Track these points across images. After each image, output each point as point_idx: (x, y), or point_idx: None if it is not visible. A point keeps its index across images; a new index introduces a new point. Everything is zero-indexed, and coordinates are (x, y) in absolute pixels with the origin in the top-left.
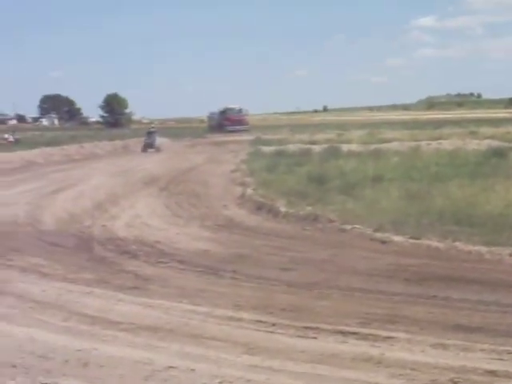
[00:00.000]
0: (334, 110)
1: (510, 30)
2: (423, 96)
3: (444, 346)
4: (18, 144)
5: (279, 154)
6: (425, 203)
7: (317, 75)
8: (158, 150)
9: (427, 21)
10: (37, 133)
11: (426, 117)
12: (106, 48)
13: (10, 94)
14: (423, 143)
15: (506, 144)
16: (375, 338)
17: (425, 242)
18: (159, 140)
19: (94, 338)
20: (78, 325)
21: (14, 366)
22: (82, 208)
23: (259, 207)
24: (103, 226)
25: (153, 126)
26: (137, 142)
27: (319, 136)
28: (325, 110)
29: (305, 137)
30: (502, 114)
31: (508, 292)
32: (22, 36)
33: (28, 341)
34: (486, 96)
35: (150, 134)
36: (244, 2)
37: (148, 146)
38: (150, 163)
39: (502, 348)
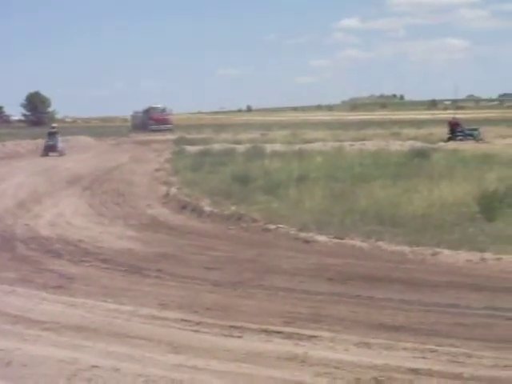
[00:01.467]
0: (259, 110)
1: (431, 33)
2: (347, 97)
3: (367, 345)
4: None
5: (203, 153)
6: (348, 203)
7: (242, 75)
8: (62, 153)
9: (351, 22)
10: None
11: (349, 118)
12: (28, 45)
13: None
14: (346, 144)
15: (428, 145)
16: (299, 337)
17: (348, 241)
18: (62, 143)
19: (16, 337)
20: (0, 324)
21: None
22: (3, 207)
23: (183, 206)
24: (26, 224)
25: (54, 125)
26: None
27: (243, 136)
28: (249, 109)
29: (229, 136)
30: (424, 115)
31: (430, 291)
32: None
33: None
34: (408, 98)
35: (51, 135)
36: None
37: (49, 148)
38: (74, 162)
39: (424, 346)
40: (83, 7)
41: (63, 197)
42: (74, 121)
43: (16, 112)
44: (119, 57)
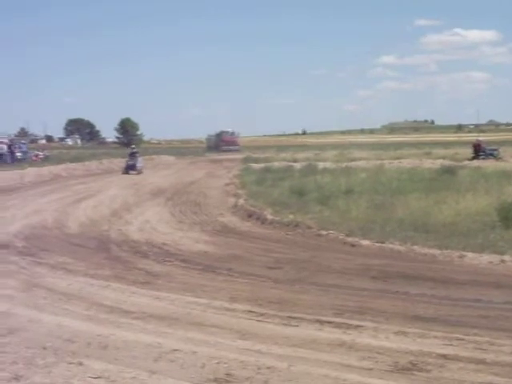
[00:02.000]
0: (312, 133)
1: (458, 67)
2: (386, 122)
3: (404, 334)
4: (46, 160)
5: (266, 170)
6: (388, 213)
7: (299, 103)
8: (140, 172)
9: (389, 58)
10: (63, 151)
11: (388, 140)
12: (120, 75)
13: (41, 118)
14: (386, 162)
15: (455, 163)
16: (347, 327)
17: (388, 245)
18: (141, 162)
19: (111, 324)
20: (97, 313)
21: (45, 348)
22: (100, 215)
23: (250, 215)
24: (119, 229)
25: (133, 146)
26: (146, 159)
27: (299, 155)
28: (304, 133)
29: (287, 156)
30: (451, 137)
31: (457, 288)
32: (46, 68)
33: (56, 327)
34: (438, 122)
35: (132, 155)
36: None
37: (130, 167)
38: (158, 177)
39: (452, 335)
40: (159, 41)
41: (149, 206)
42: (159, 142)
43: (110, 135)
44: (196, 85)
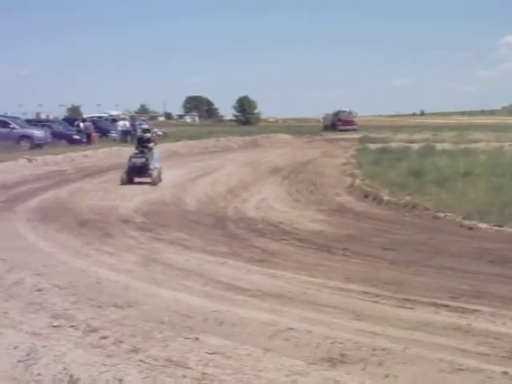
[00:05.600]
0: (430, 114)
1: None
2: (507, 103)
3: None
4: (165, 137)
5: (383, 150)
6: (507, 196)
7: (416, 83)
8: (156, 181)
9: None
10: (181, 128)
11: (509, 121)
12: (236, 55)
13: (161, 95)
14: (506, 144)
15: None
16: (463, 311)
17: (507, 229)
18: (158, 160)
19: (227, 301)
20: (214, 290)
21: (163, 323)
22: (217, 192)
23: (366, 195)
24: (235, 207)
25: (144, 125)
26: (263, 138)
27: (417, 136)
28: (422, 113)
29: (404, 136)
30: None
31: None
32: (167, 49)
33: (174, 302)
34: None
35: (142, 145)
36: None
37: (136, 171)
38: (274, 156)
39: None
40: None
41: (265, 185)
42: (276, 121)
43: (228, 113)
44: (311, 66)
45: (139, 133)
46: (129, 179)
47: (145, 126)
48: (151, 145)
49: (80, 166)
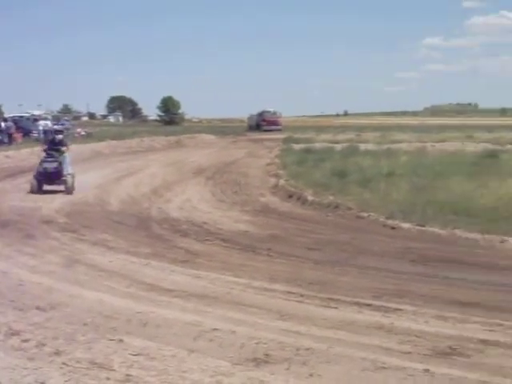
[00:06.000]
0: (354, 114)
1: (503, 50)
2: (429, 104)
3: (444, 318)
4: (88, 137)
5: (307, 150)
6: (429, 196)
7: (339, 84)
8: (70, 189)
9: (435, 40)
10: (105, 128)
11: (430, 122)
12: (161, 55)
13: (84, 95)
14: (428, 145)
15: (499, 147)
16: (386, 310)
17: (429, 228)
18: (70, 165)
19: (151, 302)
20: (138, 291)
21: (86, 324)
22: (141, 192)
23: (290, 195)
24: (159, 208)
25: (55, 126)
26: (188, 138)
27: (340, 136)
28: (345, 114)
29: (328, 137)
30: (495, 121)
31: (499, 273)
32: (92, 46)
33: (97, 303)
34: (482, 106)
35: (51, 148)
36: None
37: (46, 177)
38: (199, 156)
39: (492, 321)
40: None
41: (189, 185)
42: (200, 121)
43: (152, 113)
44: (235, 68)
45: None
46: (39, 187)
47: (57, 127)
48: (64, 148)
49: (1, 167)
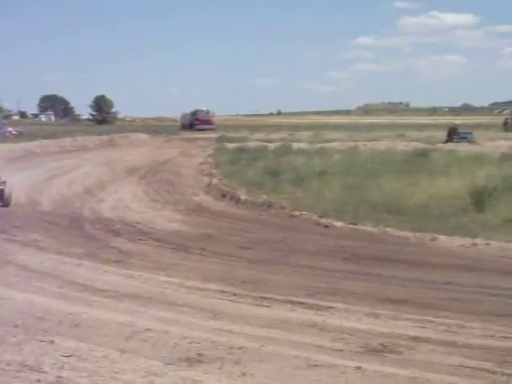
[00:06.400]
0: (287, 113)
1: (434, 49)
2: (361, 103)
3: (376, 315)
4: (20, 136)
5: (240, 150)
6: (361, 195)
7: (272, 83)
8: (8, 200)
9: (366, 40)
10: (36, 127)
11: (363, 121)
12: (94, 54)
13: (15, 93)
14: (360, 143)
15: (430, 146)
16: (318, 308)
17: (361, 227)
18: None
19: (83, 303)
20: (70, 292)
21: (16, 326)
22: (73, 192)
23: (223, 195)
24: (92, 207)
25: None
26: (121, 137)
27: (274, 135)
28: (279, 113)
29: (262, 136)
30: (426, 120)
31: (429, 271)
32: (22, 43)
33: (28, 304)
34: (413, 105)
35: None
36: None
37: None
38: (132, 155)
39: (424, 317)
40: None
41: (122, 185)
42: (133, 120)
43: (85, 112)
44: (171, 63)
45: None
46: None
47: None
48: None
49: None
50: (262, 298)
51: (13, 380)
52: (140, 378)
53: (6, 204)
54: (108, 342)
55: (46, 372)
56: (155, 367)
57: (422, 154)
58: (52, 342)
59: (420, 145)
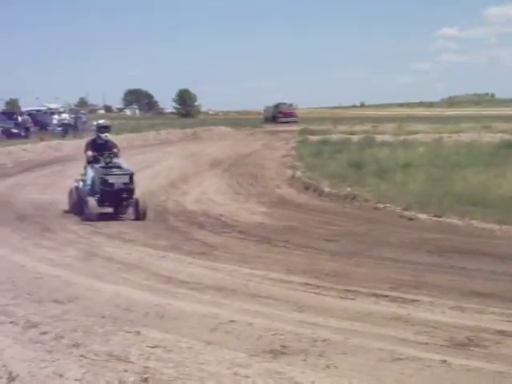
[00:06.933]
0: (370, 105)
1: None
2: (445, 95)
3: (461, 309)
4: None
5: (323, 142)
6: (446, 187)
7: (355, 75)
8: (141, 213)
9: (451, 31)
10: (122, 121)
11: (447, 113)
12: (178, 50)
13: (100, 89)
14: (445, 136)
15: None
16: (403, 301)
17: (446, 219)
18: None
19: (168, 294)
20: (155, 283)
21: (104, 317)
22: (158, 185)
23: (306, 187)
24: (176, 200)
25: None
26: (204, 130)
27: (357, 128)
28: (362, 105)
29: (345, 128)
30: None
31: None
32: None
33: (115, 296)
34: (498, 96)
35: (101, 148)
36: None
37: (116, 198)
38: (215, 148)
39: (510, 311)
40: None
41: (206, 177)
42: (216, 113)
43: (169, 105)
44: (256, 58)
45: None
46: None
47: (101, 122)
48: (115, 150)
49: (19, 160)
50: (347, 290)
51: (101, 370)
52: (225, 370)
53: (141, 217)
54: (193, 334)
55: (132, 362)
56: (240, 359)
57: (509, 145)
58: (138, 332)
59: (506, 136)
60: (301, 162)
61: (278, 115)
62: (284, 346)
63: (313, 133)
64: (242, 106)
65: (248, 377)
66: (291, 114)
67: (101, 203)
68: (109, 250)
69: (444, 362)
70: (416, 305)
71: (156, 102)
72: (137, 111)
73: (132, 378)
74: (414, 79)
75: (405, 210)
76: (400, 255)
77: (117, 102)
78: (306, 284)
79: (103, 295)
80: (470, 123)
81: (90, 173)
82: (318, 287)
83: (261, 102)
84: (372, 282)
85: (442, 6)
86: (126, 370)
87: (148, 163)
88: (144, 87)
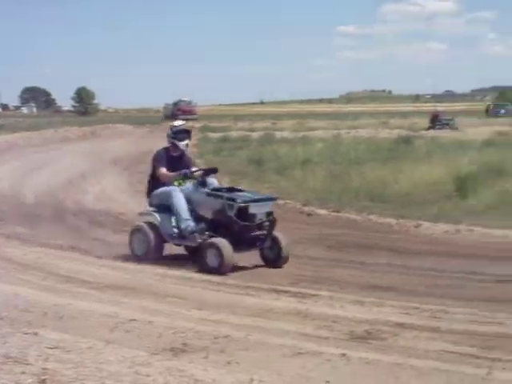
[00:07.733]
0: (270, 102)
1: (416, 37)
2: (344, 92)
3: (360, 303)
4: (1, 129)
5: (223, 139)
6: (345, 183)
7: (255, 73)
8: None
9: (348, 28)
10: (18, 119)
11: (346, 109)
12: (77, 46)
13: None
14: (343, 132)
15: (412, 133)
16: (303, 296)
17: (344, 214)
18: None
19: (67, 294)
20: (54, 283)
21: (1, 319)
22: (57, 183)
23: None
24: (75, 199)
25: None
26: (103, 128)
27: (257, 125)
28: (262, 102)
29: (245, 125)
30: (409, 107)
31: (413, 258)
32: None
33: (12, 296)
34: (395, 92)
35: None
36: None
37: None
38: (116, 146)
39: (408, 304)
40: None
41: (106, 175)
42: (116, 111)
43: (66, 103)
44: (152, 54)
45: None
46: None
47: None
48: None
49: None
50: (248, 287)
51: None
52: (125, 369)
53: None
54: (93, 333)
55: (30, 364)
56: (140, 357)
57: (405, 141)
58: (36, 333)
59: (403, 132)
60: (201, 159)
61: (178, 112)
62: (185, 344)
63: (213, 130)
64: (142, 104)
65: (149, 375)
66: (190, 112)
67: (236, 246)
68: (5, 250)
69: (344, 355)
70: (316, 299)
71: (54, 99)
72: (34, 109)
73: (30, 380)
74: (314, 76)
75: (304, 205)
76: (300, 251)
77: (13, 100)
78: (207, 281)
79: (0, 296)
80: (368, 119)
81: (182, 202)
82: (219, 284)
83: (161, 100)
84: (273, 278)
85: (340, 3)
86: (23, 372)
87: (46, 162)
88: (42, 85)
